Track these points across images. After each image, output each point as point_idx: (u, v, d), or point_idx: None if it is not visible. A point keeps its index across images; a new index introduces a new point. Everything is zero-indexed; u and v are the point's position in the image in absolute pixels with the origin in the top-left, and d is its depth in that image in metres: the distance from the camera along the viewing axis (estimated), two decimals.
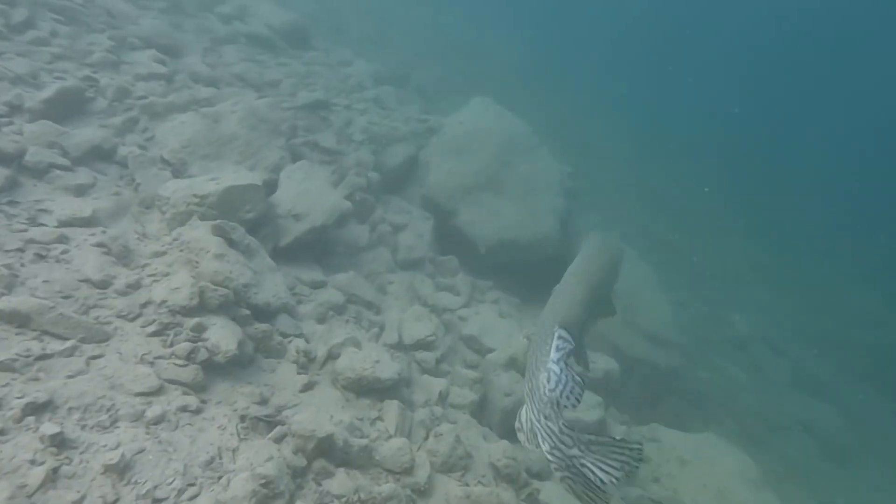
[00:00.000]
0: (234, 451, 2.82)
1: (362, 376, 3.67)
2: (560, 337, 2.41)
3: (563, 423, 2.22)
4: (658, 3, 30.17)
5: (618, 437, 2.23)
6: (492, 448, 3.81)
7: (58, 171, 4.09)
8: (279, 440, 3.01)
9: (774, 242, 12.94)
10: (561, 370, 2.31)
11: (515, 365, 5.01)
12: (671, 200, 13.40)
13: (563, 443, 2.21)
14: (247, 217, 4.29)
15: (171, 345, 3.16)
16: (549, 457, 2.25)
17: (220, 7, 7.53)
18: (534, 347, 2.66)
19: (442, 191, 6.80)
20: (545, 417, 2.28)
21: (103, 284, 3.35)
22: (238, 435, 2.91)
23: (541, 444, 2.28)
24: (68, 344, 2.89)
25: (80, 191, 4.12)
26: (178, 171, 4.71)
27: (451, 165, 6.99)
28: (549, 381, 2.31)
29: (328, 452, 3.05)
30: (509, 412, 4.49)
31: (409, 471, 3.27)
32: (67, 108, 4.66)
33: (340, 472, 3.05)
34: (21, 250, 3.33)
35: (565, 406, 2.27)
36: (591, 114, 17.01)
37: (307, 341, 3.98)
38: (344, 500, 2.91)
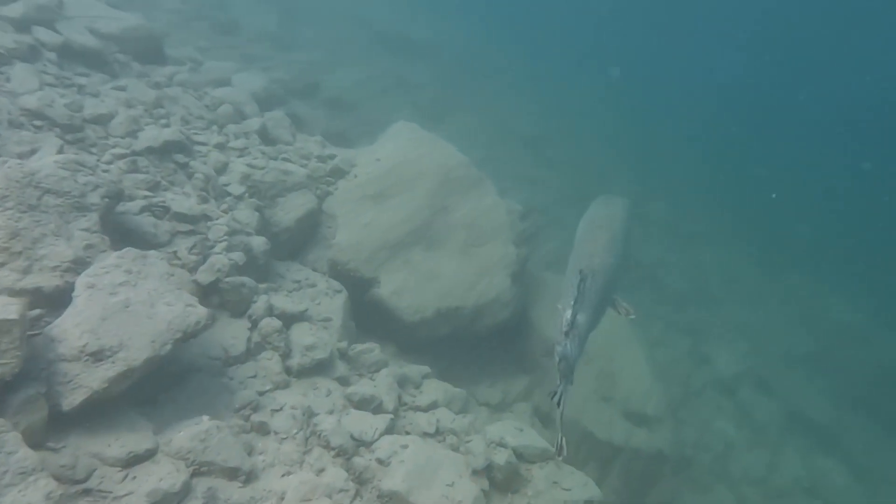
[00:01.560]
0: None
1: None
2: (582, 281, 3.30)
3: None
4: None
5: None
6: None
7: None
8: None
9: (749, 252, 12.03)
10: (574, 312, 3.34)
11: None
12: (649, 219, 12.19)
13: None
14: None
15: None
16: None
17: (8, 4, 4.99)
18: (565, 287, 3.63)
19: (357, 253, 5.13)
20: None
21: None
22: None
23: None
24: None
25: None
26: None
27: (369, 217, 5.32)
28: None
29: None
30: None
31: None
32: None
33: None
34: None
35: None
36: (561, 116, 15.68)
37: None
38: None
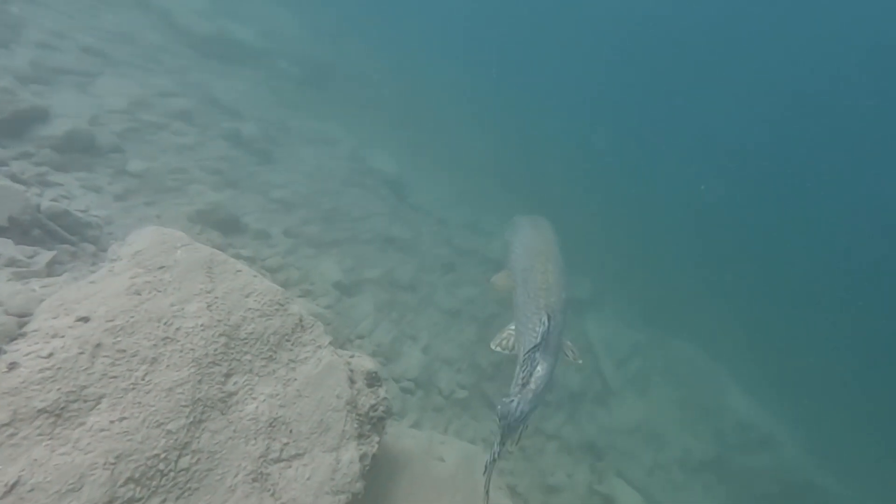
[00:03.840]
0: None
1: None
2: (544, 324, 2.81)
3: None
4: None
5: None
6: None
7: None
8: None
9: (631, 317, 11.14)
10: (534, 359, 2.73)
11: None
12: None
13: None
14: None
15: None
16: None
17: None
18: (524, 329, 3.11)
19: None
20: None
21: None
22: None
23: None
24: None
25: None
26: None
27: (30, 473, 2.42)
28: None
29: None
30: None
31: None
32: None
33: None
34: None
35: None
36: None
37: None
38: None
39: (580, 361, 3.47)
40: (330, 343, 3.63)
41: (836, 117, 24.25)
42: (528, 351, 2.86)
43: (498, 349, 3.19)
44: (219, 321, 3.12)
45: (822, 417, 11.20)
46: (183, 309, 3.04)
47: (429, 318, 8.35)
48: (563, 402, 8.11)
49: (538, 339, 2.82)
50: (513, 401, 2.69)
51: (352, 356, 3.79)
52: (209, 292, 3.19)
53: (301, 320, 3.55)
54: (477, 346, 8.31)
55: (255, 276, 3.45)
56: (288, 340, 3.45)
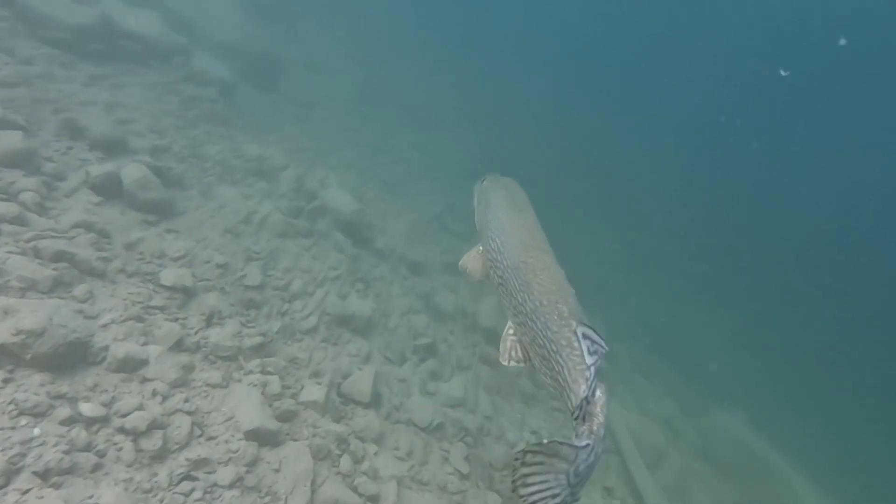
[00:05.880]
0: None
1: None
2: (585, 336, 2.02)
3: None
4: None
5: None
6: None
7: None
8: None
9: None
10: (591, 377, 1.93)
11: None
12: None
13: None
14: None
15: None
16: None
17: None
18: (549, 353, 2.15)
19: None
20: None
21: None
22: None
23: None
24: None
25: None
26: None
27: None
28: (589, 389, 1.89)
29: None
30: None
31: None
32: None
33: None
34: None
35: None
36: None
37: None
38: None
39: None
40: None
41: None
42: (586, 373, 1.94)
43: (513, 364, 2.50)
44: None
45: None
46: None
47: (399, 446, 5.81)
48: None
49: (593, 362, 1.96)
50: (587, 444, 1.77)
51: None
52: None
53: None
54: (470, 488, 5.81)
55: None
56: None
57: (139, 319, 4.95)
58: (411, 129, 15.91)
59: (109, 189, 6.06)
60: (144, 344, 4.79)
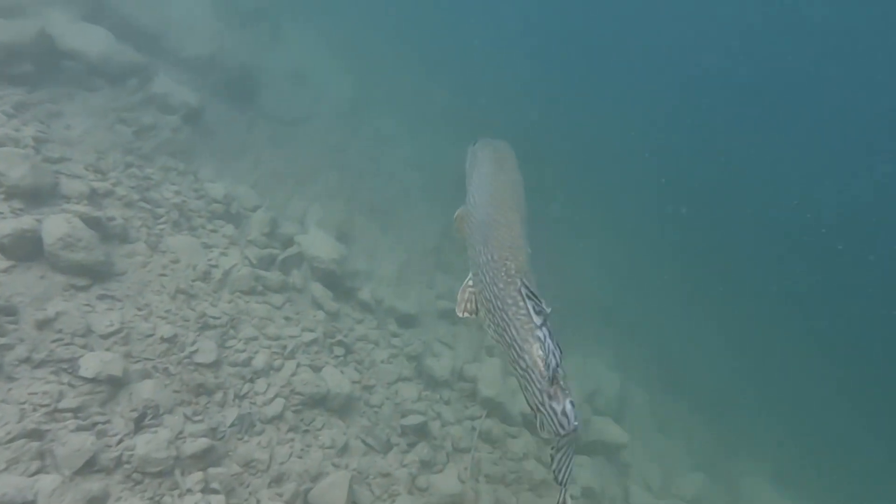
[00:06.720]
0: None
1: None
2: (529, 296, 2.16)
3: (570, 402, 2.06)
4: None
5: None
6: None
7: None
8: None
9: None
10: (545, 336, 2.08)
11: None
12: None
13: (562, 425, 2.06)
14: None
15: None
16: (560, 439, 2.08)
17: None
18: (494, 308, 2.31)
19: None
20: (549, 398, 2.06)
21: None
22: None
23: (555, 430, 2.08)
24: None
25: None
26: None
27: None
28: (543, 352, 2.06)
29: None
30: None
31: None
32: None
33: None
34: None
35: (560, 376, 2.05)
36: None
37: None
38: None
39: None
40: None
41: None
42: (536, 331, 2.11)
43: (466, 315, 2.62)
44: None
45: None
46: None
47: None
48: None
49: (541, 322, 2.08)
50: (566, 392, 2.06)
51: None
52: None
53: None
54: None
55: None
56: None
57: (34, 436, 3.77)
58: (408, 143, 14.75)
59: (24, 249, 4.91)
60: (35, 473, 3.60)
